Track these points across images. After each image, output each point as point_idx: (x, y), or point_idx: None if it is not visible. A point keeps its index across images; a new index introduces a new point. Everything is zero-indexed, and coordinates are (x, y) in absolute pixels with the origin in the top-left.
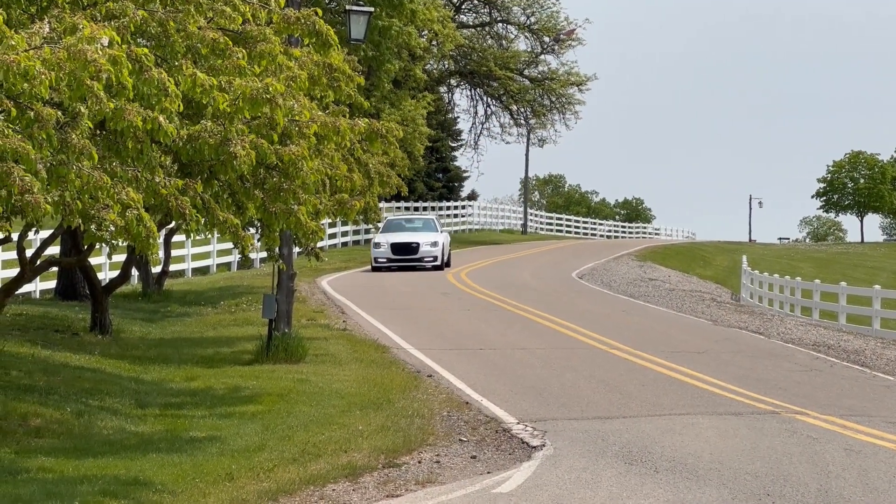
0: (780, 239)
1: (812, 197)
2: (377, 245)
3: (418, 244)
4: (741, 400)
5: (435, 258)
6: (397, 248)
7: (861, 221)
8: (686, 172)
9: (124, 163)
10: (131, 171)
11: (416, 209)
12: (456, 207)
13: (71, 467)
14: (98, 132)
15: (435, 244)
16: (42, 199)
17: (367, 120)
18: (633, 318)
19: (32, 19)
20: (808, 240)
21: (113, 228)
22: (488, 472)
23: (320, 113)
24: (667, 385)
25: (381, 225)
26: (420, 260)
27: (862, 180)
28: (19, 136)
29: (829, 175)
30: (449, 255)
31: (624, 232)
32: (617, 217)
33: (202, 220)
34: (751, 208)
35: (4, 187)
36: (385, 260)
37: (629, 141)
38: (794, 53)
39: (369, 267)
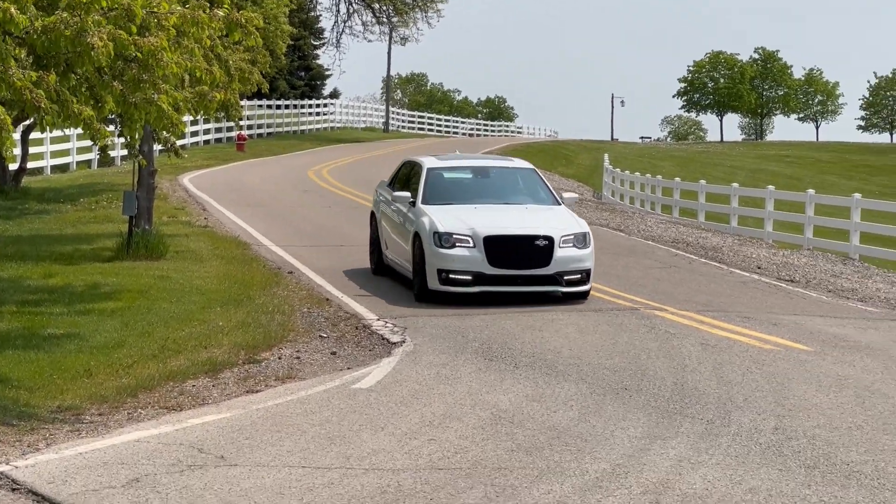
0: (642, 138)
1: (673, 96)
2: (445, 238)
3: (551, 240)
4: (601, 297)
5: (584, 275)
6: (502, 247)
7: (721, 121)
8: (549, 71)
9: None
10: None
11: (279, 107)
12: (318, 106)
13: None
14: None
15: (583, 239)
16: None
17: (225, 9)
18: None
19: None
20: (669, 139)
21: None
22: (348, 369)
23: (179, 7)
24: None
25: (421, 185)
26: (553, 280)
27: (722, 80)
28: None
29: (690, 75)
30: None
31: (487, 130)
32: (479, 116)
33: (58, 113)
34: (613, 107)
35: None
36: (470, 278)
37: (492, 39)
38: None
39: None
